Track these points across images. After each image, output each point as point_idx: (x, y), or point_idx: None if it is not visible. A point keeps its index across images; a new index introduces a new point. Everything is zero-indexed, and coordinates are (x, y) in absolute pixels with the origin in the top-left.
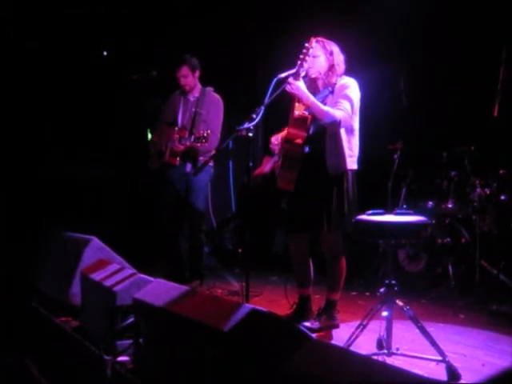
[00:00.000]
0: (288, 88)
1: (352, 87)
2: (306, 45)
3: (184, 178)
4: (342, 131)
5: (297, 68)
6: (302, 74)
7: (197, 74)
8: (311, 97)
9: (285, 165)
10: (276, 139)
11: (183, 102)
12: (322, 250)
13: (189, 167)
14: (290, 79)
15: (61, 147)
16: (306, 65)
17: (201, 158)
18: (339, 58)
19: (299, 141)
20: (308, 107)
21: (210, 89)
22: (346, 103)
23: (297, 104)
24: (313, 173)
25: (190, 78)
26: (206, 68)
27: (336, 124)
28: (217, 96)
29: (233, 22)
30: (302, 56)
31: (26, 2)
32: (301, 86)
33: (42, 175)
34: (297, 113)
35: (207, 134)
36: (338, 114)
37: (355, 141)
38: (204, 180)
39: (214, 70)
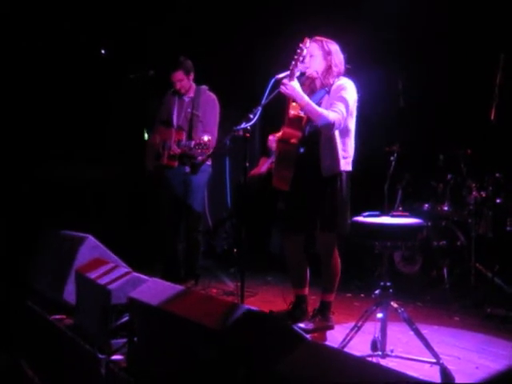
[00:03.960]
0: (282, 89)
1: (348, 89)
2: (300, 45)
3: (182, 178)
4: (337, 133)
5: (291, 68)
6: (297, 74)
7: (191, 76)
8: (306, 98)
9: (280, 164)
10: (273, 137)
11: (178, 102)
12: (317, 251)
13: (187, 168)
14: (285, 80)
15: (58, 147)
16: (300, 65)
17: (199, 158)
18: (338, 58)
19: (294, 141)
20: (302, 108)
21: (204, 87)
22: (341, 105)
23: (293, 104)
24: (307, 173)
25: (184, 81)
26: (204, 68)
27: (329, 126)
28: (212, 95)
29: (232, 21)
30: (296, 56)
31: (24, 1)
32: (295, 86)
33: (38, 175)
34: (292, 112)
35: (208, 140)
36: (331, 116)
37: (350, 142)
38: (202, 179)
39: (212, 69)
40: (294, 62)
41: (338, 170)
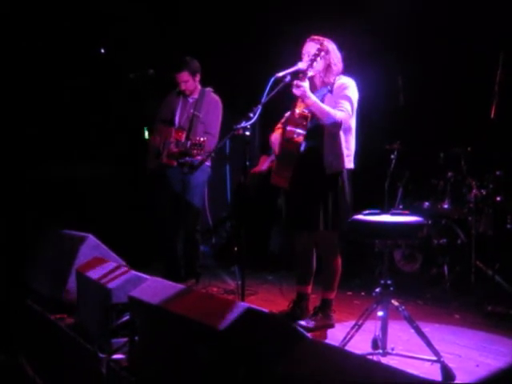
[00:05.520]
0: (296, 91)
1: (351, 87)
2: (319, 47)
3: (181, 177)
4: (340, 130)
5: (306, 68)
6: (310, 73)
7: (197, 77)
8: (313, 97)
9: (280, 162)
10: (275, 138)
11: (182, 102)
12: (317, 249)
13: (185, 168)
14: (297, 81)
15: (58, 146)
16: (316, 65)
17: (198, 158)
18: (336, 56)
19: (298, 139)
20: (310, 107)
21: (209, 89)
22: (347, 103)
23: (297, 102)
24: (309, 171)
25: (190, 82)
26: (204, 67)
27: (337, 125)
28: (216, 97)
29: (232, 22)
30: (313, 57)
31: (24, 1)
32: (307, 87)
33: (38, 175)
34: (297, 111)
35: (203, 140)
36: (339, 114)
37: (352, 140)
38: (201, 178)
39: (212, 69)
40: (309, 62)
41: (342, 167)
